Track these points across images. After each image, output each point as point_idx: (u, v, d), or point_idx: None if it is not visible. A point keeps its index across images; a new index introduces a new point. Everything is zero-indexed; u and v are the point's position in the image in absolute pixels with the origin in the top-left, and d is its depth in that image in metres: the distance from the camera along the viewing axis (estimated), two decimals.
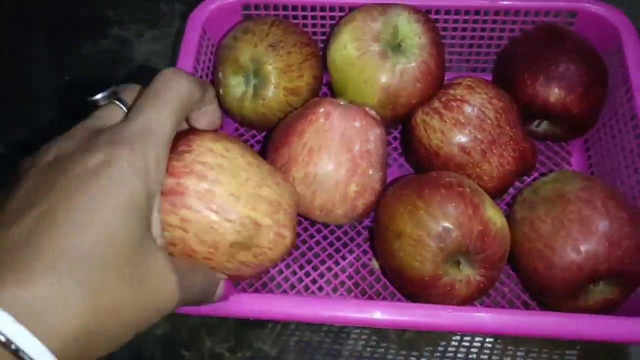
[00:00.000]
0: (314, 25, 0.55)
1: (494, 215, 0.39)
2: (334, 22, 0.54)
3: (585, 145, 0.53)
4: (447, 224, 0.38)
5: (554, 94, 0.46)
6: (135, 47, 0.64)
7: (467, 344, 0.46)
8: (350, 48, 0.46)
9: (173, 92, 0.30)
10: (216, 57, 0.51)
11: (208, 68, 0.52)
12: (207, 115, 0.34)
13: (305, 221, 0.50)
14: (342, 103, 0.44)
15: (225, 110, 0.51)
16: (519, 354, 0.45)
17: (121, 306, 0.25)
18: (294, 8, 0.53)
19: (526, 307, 0.46)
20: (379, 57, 0.46)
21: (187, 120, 0.34)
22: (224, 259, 0.32)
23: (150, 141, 0.28)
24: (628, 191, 0.45)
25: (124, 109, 0.30)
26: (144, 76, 0.61)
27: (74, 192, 0.25)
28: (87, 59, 0.63)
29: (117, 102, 0.31)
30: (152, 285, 0.27)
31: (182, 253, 0.31)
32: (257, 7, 0.53)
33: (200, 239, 0.31)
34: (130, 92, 0.32)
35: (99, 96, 0.32)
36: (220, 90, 0.49)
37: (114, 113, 0.30)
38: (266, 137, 0.55)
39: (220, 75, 0.49)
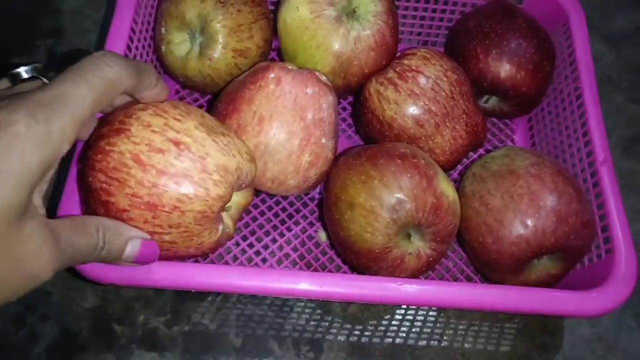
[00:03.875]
0: None
1: (447, 188, 0.39)
2: None
3: (529, 124, 0.54)
4: (401, 195, 0.37)
5: (505, 69, 0.46)
6: None
7: (410, 317, 0.45)
8: (303, 10, 0.44)
9: (99, 71, 0.29)
10: (158, 10, 0.47)
11: (149, 23, 0.48)
12: (149, 98, 0.34)
13: None
14: (291, 68, 0.42)
15: (167, 69, 0.48)
16: (460, 327, 0.45)
17: None
18: None
19: (470, 281, 0.46)
20: (333, 21, 0.44)
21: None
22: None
23: (60, 111, 0.27)
24: (570, 169, 0.46)
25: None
26: (72, 31, 0.56)
27: None
28: (10, 5, 0.57)
29: (41, 77, 0.31)
30: (24, 251, 0.26)
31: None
32: None
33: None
34: (55, 74, 0.30)
35: (22, 69, 0.31)
36: (162, 47, 0.46)
37: (36, 85, 0.30)
38: (210, 102, 0.52)
39: (163, 30, 0.45)
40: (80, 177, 0.35)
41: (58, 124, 0.27)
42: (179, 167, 0.32)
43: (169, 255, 0.35)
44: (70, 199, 0.37)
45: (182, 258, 0.36)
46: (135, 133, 0.33)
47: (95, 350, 0.42)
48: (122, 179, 0.32)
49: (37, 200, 0.28)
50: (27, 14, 0.57)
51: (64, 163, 0.31)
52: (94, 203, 0.33)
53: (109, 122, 0.34)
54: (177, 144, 0.33)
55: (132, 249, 0.32)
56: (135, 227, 0.33)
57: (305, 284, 0.36)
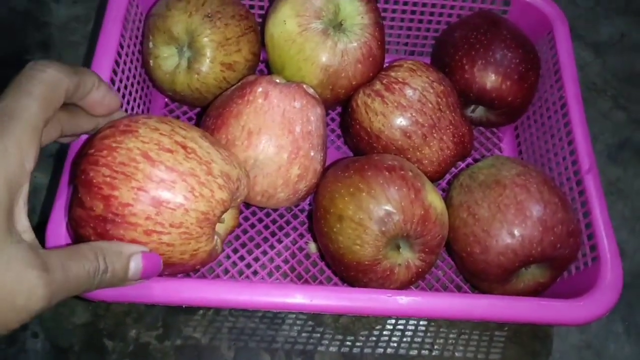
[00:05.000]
0: None
1: (435, 199, 0.39)
2: None
3: (516, 132, 0.54)
4: (389, 208, 0.38)
5: (491, 79, 0.46)
6: (53, 9, 0.58)
7: (401, 327, 0.46)
8: (290, 24, 0.44)
9: (35, 79, 0.29)
10: (146, 25, 0.47)
11: (136, 37, 0.48)
12: (99, 101, 0.34)
13: None
14: (279, 81, 0.43)
15: (156, 83, 0.48)
16: (451, 335, 0.46)
17: None
18: None
19: (459, 290, 0.46)
20: (320, 34, 0.44)
21: (87, 111, 0.35)
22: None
23: (9, 126, 0.27)
24: (556, 177, 0.46)
25: None
26: (61, 45, 0.56)
27: None
28: None
29: None
30: (4, 278, 0.25)
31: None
32: None
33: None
34: None
35: None
36: (151, 61, 0.46)
37: None
38: (199, 115, 0.53)
39: (150, 45, 0.46)
40: (76, 177, 0.35)
41: (12, 139, 0.27)
42: (187, 166, 0.33)
43: (163, 263, 0.35)
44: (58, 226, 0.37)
45: (174, 269, 0.36)
46: (144, 134, 0.34)
47: None
48: (129, 173, 0.32)
49: (22, 224, 0.27)
50: (16, 28, 0.57)
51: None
52: (91, 200, 0.32)
53: (112, 127, 0.34)
54: (184, 147, 0.34)
55: (135, 265, 0.32)
56: (136, 223, 0.32)
57: (296, 298, 0.36)
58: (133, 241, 0.33)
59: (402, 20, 0.54)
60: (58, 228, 0.37)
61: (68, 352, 0.42)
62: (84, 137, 0.39)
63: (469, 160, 0.52)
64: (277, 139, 0.40)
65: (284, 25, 0.45)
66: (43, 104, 0.29)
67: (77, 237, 0.34)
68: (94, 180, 0.32)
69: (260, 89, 0.41)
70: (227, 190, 0.35)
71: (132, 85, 0.47)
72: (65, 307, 0.44)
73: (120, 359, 0.42)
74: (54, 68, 0.30)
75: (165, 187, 0.32)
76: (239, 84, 0.43)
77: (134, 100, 0.47)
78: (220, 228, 0.38)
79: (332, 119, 0.54)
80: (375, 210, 0.38)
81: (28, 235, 0.28)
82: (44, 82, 0.29)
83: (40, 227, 0.46)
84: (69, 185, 0.38)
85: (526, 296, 0.41)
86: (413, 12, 0.54)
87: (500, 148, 0.54)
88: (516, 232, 0.39)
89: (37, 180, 0.49)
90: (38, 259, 0.26)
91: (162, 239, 0.33)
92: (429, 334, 0.46)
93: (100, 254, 0.30)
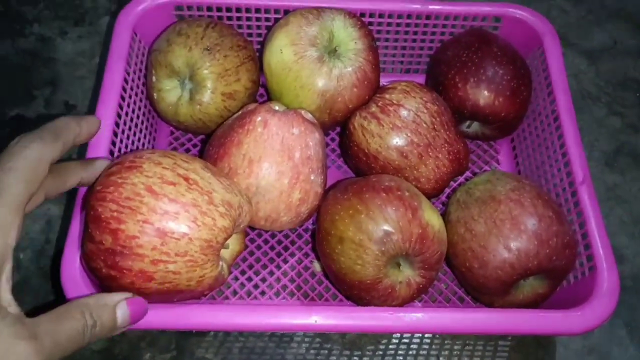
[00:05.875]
0: (249, 27, 0.54)
1: (432, 217, 0.41)
2: (269, 23, 0.53)
3: (512, 144, 0.56)
4: (387, 227, 0.39)
5: (483, 96, 0.48)
6: (59, 45, 0.61)
7: (407, 340, 0.47)
8: (286, 53, 0.46)
9: (17, 156, 0.30)
10: (148, 60, 0.49)
11: (140, 70, 0.50)
12: (82, 140, 0.36)
13: None
14: (277, 108, 0.44)
15: (160, 115, 0.50)
16: (455, 347, 0.47)
17: None
18: (228, 9, 0.52)
19: (462, 302, 0.48)
20: (316, 62, 0.46)
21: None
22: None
23: None
24: (552, 189, 0.47)
25: None
26: (69, 79, 0.58)
27: None
28: (5, 59, 0.59)
29: None
30: None
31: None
32: (190, 7, 0.52)
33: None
34: None
35: None
36: (154, 94, 0.48)
37: None
38: (203, 141, 0.54)
39: (153, 78, 0.48)
40: (85, 213, 0.36)
41: None
42: (189, 197, 0.35)
43: (170, 290, 0.36)
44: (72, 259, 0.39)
45: (183, 295, 0.38)
46: (147, 169, 0.35)
47: None
48: (134, 207, 0.34)
49: (6, 299, 0.28)
50: (23, 65, 0.59)
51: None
52: (100, 235, 0.34)
53: (118, 164, 0.36)
54: (186, 179, 0.36)
55: (122, 312, 0.33)
56: (143, 254, 0.34)
57: (299, 319, 0.38)
58: (141, 271, 0.34)
59: (397, 40, 0.56)
60: (72, 262, 0.38)
61: None
62: None
63: (468, 173, 0.54)
64: (277, 166, 0.42)
65: (281, 54, 0.46)
66: (28, 181, 0.30)
67: (90, 270, 0.36)
68: (102, 216, 0.34)
69: (259, 118, 0.43)
70: (229, 218, 0.36)
71: (138, 117, 0.49)
72: None
73: None
74: (37, 142, 0.31)
75: (169, 218, 0.34)
76: (240, 113, 0.45)
77: (140, 131, 0.49)
78: (226, 253, 0.40)
79: (332, 139, 0.56)
80: (375, 231, 0.39)
81: (13, 308, 0.28)
82: (29, 159, 0.30)
83: (55, 258, 0.48)
84: (80, 219, 0.40)
85: (526, 307, 0.43)
86: (407, 32, 0.55)
87: (498, 160, 0.56)
88: (512, 246, 0.40)
89: (51, 212, 0.51)
90: (26, 330, 0.27)
91: (169, 267, 0.35)
92: (434, 346, 0.47)
93: (87, 310, 0.31)
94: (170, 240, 0.34)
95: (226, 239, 0.37)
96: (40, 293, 0.47)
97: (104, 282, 0.36)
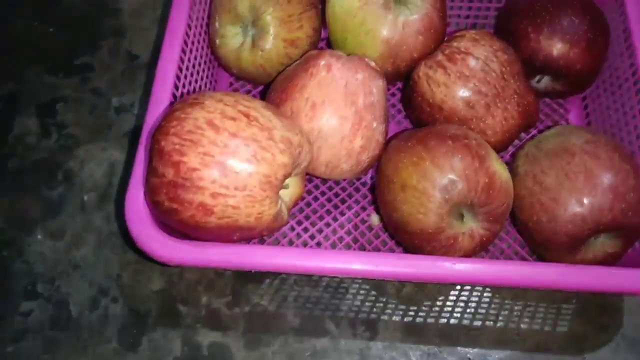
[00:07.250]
0: None
1: (499, 168, 0.39)
2: None
3: (584, 103, 0.53)
4: (453, 176, 0.38)
5: (557, 47, 0.45)
6: None
7: (464, 298, 0.46)
8: None
9: None
10: (212, 5, 0.49)
11: (203, 18, 0.50)
12: None
13: None
14: (341, 55, 0.43)
15: (221, 62, 0.50)
16: (516, 308, 0.45)
17: None
18: None
19: None
20: (381, 8, 0.44)
21: None
22: None
23: None
24: (627, 147, 0.45)
25: None
26: (132, 30, 0.59)
27: None
28: (71, 10, 0.61)
29: None
30: None
31: None
32: None
33: None
34: None
35: None
36: (217, 40, 0.48)
37: None
38: (262, 93, 0.54)
39: (216, 24, 0.47)
40: (150, 149, 0.37)
41: None
42: (249, 132, 0.35)
43: (230, 225, 0.36)
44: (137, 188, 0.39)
45: (242, 233, 0.38)
46: (209, 105, 0.36)
47: (163, 329, 0.45)
48: (195, 140, 0.35)
49: None
50: (88, 15, 0.60)
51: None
52: (163, 167, 0.35)
53: (181, 102, 0.37)
54: (247, 115, 0.36)
55: None
56: (204, 187, 0.34)
57: (359, 264, 0.37)
58: (201, 204, 0.35)
59: None
60: (136, 197, 0.39)
61: (146, 316, 0.45)
62: (158, 114, 0.41)
63: (534, 131, 0.51)
64: (340, 111, 0.41)
65: (345, 0, 0.45)
66: None
67: (153, 204, 0.37)
68: (165, 149, 0.35)
69: (323, 62, 0.42)
70: (289, 155, 0.36)
71: (200, 65, 0.49)
72: (143, 274, 0.47)
73: (193, 324, 0.45)
74: None
75: (229, 152, 0.34)
76: (302, 58, 0.44)
77: (202, 79, 0.49)
78: (285, 195, 0.40)
79: (393, 94, 0.54)
80: (439, 179, 0.38)
81: None
82: None
83: (118, 199, 0.50)
84: (144, 158, 0.40)
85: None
86: None
87: (568, 120, 0.53)
88: (585, 200, 0.38)
89: (114, 156, 0.52)
90: None
91: (228, 201, 0.35)
92: (493, 306, 0.45)
93: None
94: (229, 174, 0.34)
95: (285, 177, 0.37)
96: (103, 232, 0.48)
97: (166, 217, 0.37)
